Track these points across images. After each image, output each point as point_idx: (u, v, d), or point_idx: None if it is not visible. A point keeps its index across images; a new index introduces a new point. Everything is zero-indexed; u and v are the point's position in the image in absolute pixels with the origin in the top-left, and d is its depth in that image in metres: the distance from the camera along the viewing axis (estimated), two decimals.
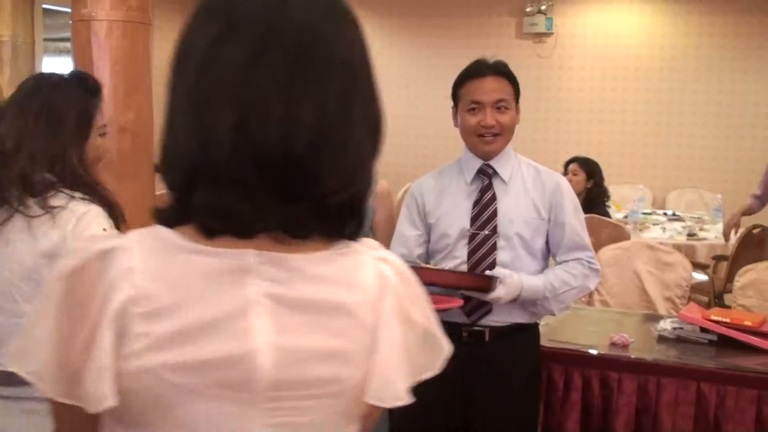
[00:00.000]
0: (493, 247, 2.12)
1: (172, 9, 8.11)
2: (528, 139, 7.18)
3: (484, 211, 2.14)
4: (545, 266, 2.22)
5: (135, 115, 3.49)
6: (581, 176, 4.81)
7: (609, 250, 3.69)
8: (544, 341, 2.55)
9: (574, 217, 2.18)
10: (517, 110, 2.18)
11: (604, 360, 2.46)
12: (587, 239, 2.21)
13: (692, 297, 4.11)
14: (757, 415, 2.30)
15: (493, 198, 2.15)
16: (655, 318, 2.93)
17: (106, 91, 3.39)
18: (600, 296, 3.61)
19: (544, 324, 2.75)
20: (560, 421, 2.46)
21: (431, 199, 2.23)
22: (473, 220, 2.14)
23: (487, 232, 2.12)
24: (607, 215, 4.80)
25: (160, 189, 1.07)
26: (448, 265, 2.17)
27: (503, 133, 2.14)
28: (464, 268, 2.14)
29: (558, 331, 2.71)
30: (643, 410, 2.40)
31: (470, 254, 2.14)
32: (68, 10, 3.58)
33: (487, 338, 2.15)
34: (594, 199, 4.83)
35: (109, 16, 3.40)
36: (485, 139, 2.13)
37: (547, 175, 2.21)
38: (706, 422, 2.33)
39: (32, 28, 6.39)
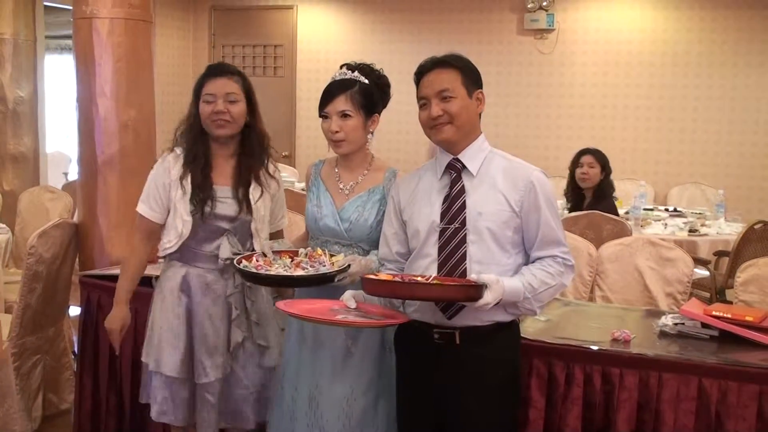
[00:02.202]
0: (463, 241, 2.10)
1: (173, 6, 8.11)
2: (530, 135, 7.18)
3: (452, 204, 2.13)
4: (520, 261, 2.16)
5: (137, 112, 3.48)
6: (597, 168, 4.80)
7: (610, 246, 3.69)
8: (545, 337, 2.56)
9: (548, 212, 2.12)
10: (475, 97, 2.14)
11: (605, 355, 2.46)
12: (562, 234, 2.16)
13: (693, 293, 4.12)
14: (759, 410, 2.30)
15: (462, 191, 2.13)
16: (657, 314, 2.93)
17: (108, 89, 3.42)
18: (601, 292, 3.62)
19: (546, 320, 2.76)
20: (562, 417, 2.47)
21: (406, 196, 2.24)
22: (443, 215, 2.13)
23: (456, 225, 2.11)
24: (614, 207, 4.80)
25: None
26: (420, 264, 2.16)
27: (453, 121, 2.11)
28: (435, 266, 2.12)
29: (560, 327, 2.71)
30: (644, 405, 2.40)
31: (440, 249, 2.12)
32: (69, 7, 3.58)
33: (457, 340, 2.12)
34: (604, 189, 4.83)
35: (111, 13, 3.40)
36: (436, 129, 2.14)
37: (521, 169, 2.15)
38: (708, 418, 2.34)
39: (33, 26, 6.41)
